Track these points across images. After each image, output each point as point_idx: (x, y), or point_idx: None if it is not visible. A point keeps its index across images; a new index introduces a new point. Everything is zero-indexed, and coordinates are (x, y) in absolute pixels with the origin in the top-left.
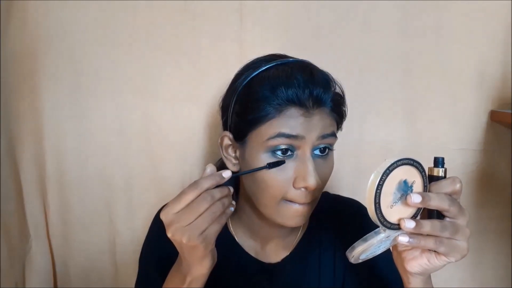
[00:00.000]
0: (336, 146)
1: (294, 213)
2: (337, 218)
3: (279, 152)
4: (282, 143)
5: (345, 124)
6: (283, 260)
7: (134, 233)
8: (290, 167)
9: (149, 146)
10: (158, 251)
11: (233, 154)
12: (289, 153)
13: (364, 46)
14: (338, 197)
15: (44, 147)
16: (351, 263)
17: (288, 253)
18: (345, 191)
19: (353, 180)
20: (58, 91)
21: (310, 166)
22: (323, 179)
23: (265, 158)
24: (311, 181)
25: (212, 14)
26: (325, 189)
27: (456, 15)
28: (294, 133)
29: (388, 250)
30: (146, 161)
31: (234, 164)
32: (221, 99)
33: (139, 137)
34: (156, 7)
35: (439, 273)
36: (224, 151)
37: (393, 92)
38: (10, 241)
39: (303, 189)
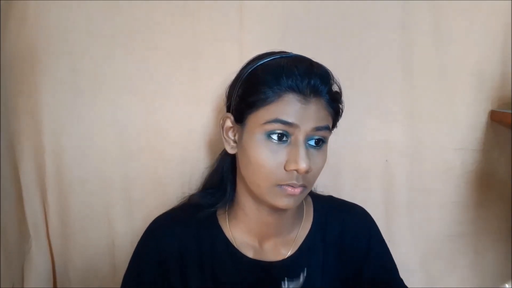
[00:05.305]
0: (336, 146)
1: (284, 193)
2: (341, 222)
3: (274, 136)
4: (278, 128)
5: (345, 124)
6: (284, 260)
7: (133, 234)
8: (283, 151)
9: (149, 146)
10: (141, 264)
11: (233, 137)
12: (284, 138)
13: (364, 46)
14: (343, 201)
15: (43, 147)
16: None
17: (287, 252)
18: (345, 191)
19: (353, 180)
20: (58, 91)
21: (302, 150)
22: (315, 168)
23: (261, 140)
24: (302, 164)
25: (212, 14)
26: (326, 191)
27: (456, 15)
28: (290, 121)
29: (392, 261)
30: (146, 162)
31: (232, 147)
32: (227, 87)
33: (138, 137)
34: (156, 7)
35: (439, 274)
36: (224, 133)
37: (393, 92)
38: (8, 241)
39: (294, 172)
